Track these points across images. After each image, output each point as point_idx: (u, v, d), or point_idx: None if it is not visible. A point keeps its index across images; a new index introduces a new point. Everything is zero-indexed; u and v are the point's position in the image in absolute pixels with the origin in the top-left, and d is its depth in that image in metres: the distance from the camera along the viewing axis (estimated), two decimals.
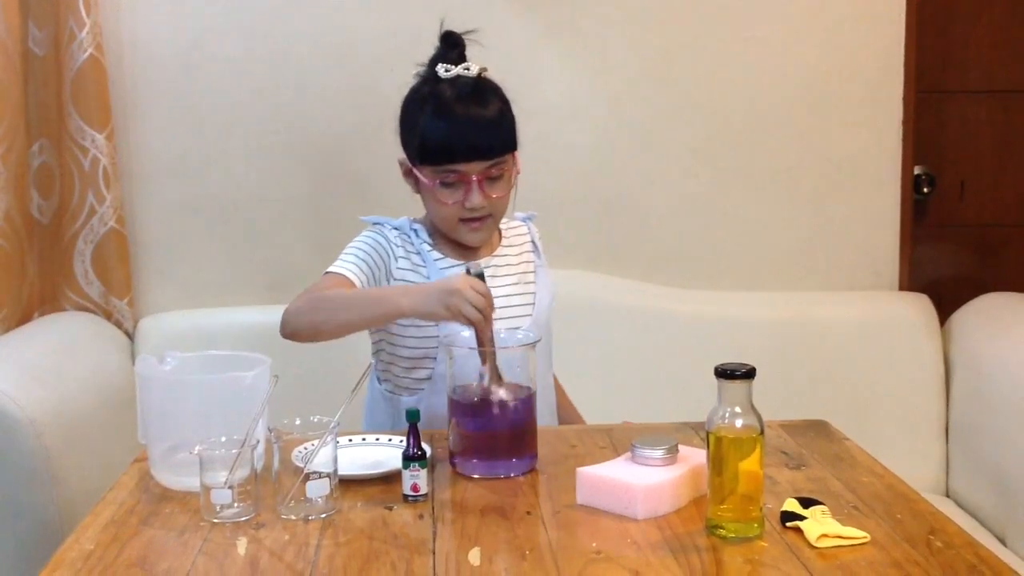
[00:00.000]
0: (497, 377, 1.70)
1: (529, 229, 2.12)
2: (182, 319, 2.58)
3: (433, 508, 1.57)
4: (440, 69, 1.95)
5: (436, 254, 1.98)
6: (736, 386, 1.43)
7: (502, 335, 1.74)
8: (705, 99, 2.65)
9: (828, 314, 2.63)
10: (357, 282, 1.90)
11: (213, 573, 1.38)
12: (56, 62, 2.43)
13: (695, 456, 1.58)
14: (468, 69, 1.95)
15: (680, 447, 1.59)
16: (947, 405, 2.56)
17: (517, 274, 2.03)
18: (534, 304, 2.02)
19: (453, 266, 1.97)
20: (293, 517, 1.53)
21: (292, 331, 1.85)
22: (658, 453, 1.56)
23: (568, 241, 2.64)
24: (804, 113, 2.65)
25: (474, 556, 1.40)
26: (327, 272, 1.92)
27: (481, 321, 1.68)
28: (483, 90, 1.95)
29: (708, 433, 1.45)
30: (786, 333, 2.58)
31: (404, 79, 2.58)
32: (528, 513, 1.55)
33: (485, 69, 1.98)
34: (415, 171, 1.96)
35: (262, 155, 2.59)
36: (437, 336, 1.90)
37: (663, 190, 2.67)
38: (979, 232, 2.74)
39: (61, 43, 2.42)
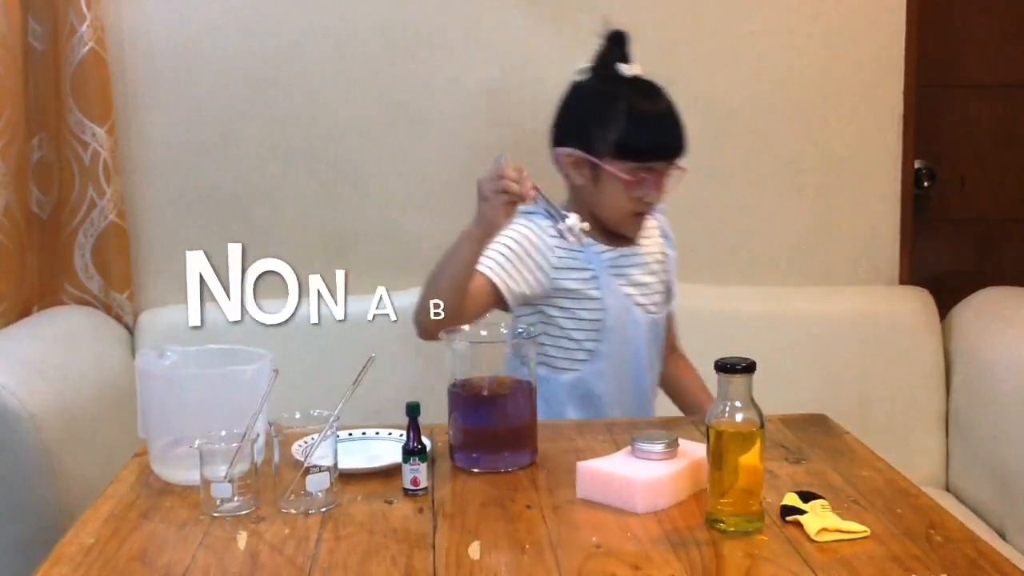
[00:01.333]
0: (559, 214, 1.85)
1: (658, 220, 2.18)
2: (182, 313, 2.56)
3: (433, 502, 1.57)
4: (623, 68, 2.05)
5: (589, 240, 2.02)
6: (736, 380, 1.43)
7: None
8: (705, 94, 2.64)
9: (828, 308, 2.63)
10: (497, 279, 1.97)
11: (213, 567, 1.38)
12: (55, 56, 2.43)
13: (695, 450, 1.58)
14: (636, 68, 2.06)
15: (680, 441, 1.59)
16: (947, 399, 2.57)
17: (655, 262, 2.13)
18: (670, 291, 2.14)
19: (607, 251, 2.07)
20: (293, 511, 1.54)
21: (420, 325, 1.92)
22: (658, 447, 1.56)
23: None
24: (804, 107, 2.65)
25: (474, 550, 1.41)
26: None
27: (514, 187, 1.81)
28: (661, 90, 2.06)
29: (708, 427, 1.45)
30: (786, 327, 2.58)
31: (405, 74, 2.59)
32: (528, 507, 1.55)
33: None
34: (603, 164, 2.01)
35: (263, 149, 2.59)
36: (600, 320, 2.03)
37: None
38: (979, 226, 2.74)
39: (61, 37, 2.42)
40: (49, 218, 2.50)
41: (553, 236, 2.02)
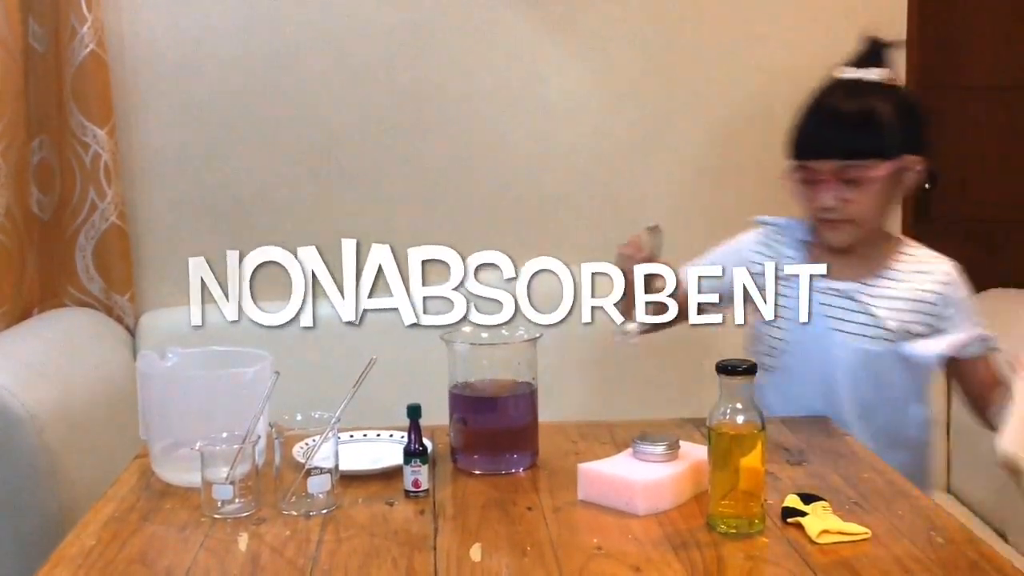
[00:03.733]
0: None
1: (948, 277, 1.98)
2: (183, 315, 2.56)
3: (434, 504, 1.57)
4: (842, 71, 1.97)
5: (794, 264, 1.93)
6: (737, 382, 1.43)
7: None
8: (706, 96, 2.65)
9: None
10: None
11: (214, 569, 1.38)
12: (56, 58, 2.43)
13: (696, 452, 1.58)
14: (868, 73, 1.95)
15: (681, 443, 1.59)
16: (948, 401, 2.56)
17: (886, 307, 1.96)
18: (890, 343, 1.96)
19: (820, 280, 1.83)
20: (294, 513, 1.54)
21: None
22: (659, 449, 1.56)
23: (569, 237, 2.64)
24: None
25: (475, 552, 1.41)
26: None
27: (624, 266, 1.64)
28: (870, 93, 1.93)
29: (709, 429, 1.45)
30: None
31: (405, 75, 2.60)
32: (529, 509, 1.55)
33: (894, 78, 1.97)
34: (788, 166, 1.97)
35: (263, 151, 2.59)
36: (781, 335, 1.99)
37: (664, 187, 2.66)
38: (981, 228, 2.74)
39: (62, 39, 2.42)
40: (50, 220, 2.50)
41: (754, 252, 2.05)
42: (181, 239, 2.61)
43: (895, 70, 1.99)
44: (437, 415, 1.75)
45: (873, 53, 1.98)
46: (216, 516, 1.53)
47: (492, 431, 1.71)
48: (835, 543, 1.41)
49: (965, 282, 2.01)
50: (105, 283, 2.52)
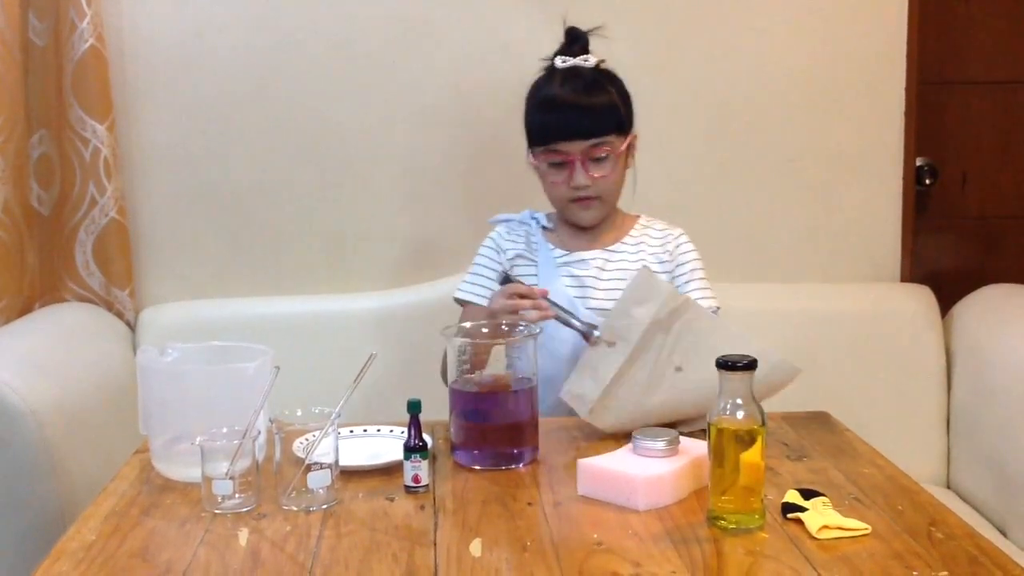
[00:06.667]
0: (585, 329, 1.85)
1: (674, 242, 2.16)
2: (183, 310, 2.58)
3: (434, 499, 1.58)
4: (558, 61, 2.10)
5: (551, 244, 2.14)
6: (737, 378, 1.43)
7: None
8: (706, 91, 2.64)
9: (829, 306, 2.63)
10: (475, 300, 2.12)
11: (215, 564, 1.38)
12: (56, 53, 2.43)
13: (696, 447, 1.58)
14: (586, 60, 2.09)
15: (681, 438, 1.59)
16: (948, 397, 2.56)
17: (630, 271, 2.04)
18: None
19: (565, 256, 2.11)
20: (294, 508, 1.54)
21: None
22: (659, 444, 1.56)
23: None
24: (806, 105, 2.65)
25: (475, 547, 1.41)
26: (455, 298, 2.16)
27: (532, 315, 1.83)
28: (592, 77, 2.08)
29: (709, 424, 1.45)
30: (787, 325, 2.57)
31: (405, 72, 2.59)
32: (529, 504, 1.55)
33: (603, 61, 2.11)
34: (529, 155, 2.10)
35: (263, 145, 2.59)
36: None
37: (663, 182, 2.66)
38: (981, 224, 2.74)
39: (62, 34, 2.41)
40: (50, 215, 2.50)
41: (509, 244, 2.16)
42: (181, 234, 2.61)
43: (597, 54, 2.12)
44: (437, 410, 1.76)
45: (578, 41, 2.11)
46: (216, 511, 1.53)
47: (492, 426, 1.71)
48: (835, 538, 1.41)
49: (692, 246, 2.16)
50: (105, 278, 2.52)
